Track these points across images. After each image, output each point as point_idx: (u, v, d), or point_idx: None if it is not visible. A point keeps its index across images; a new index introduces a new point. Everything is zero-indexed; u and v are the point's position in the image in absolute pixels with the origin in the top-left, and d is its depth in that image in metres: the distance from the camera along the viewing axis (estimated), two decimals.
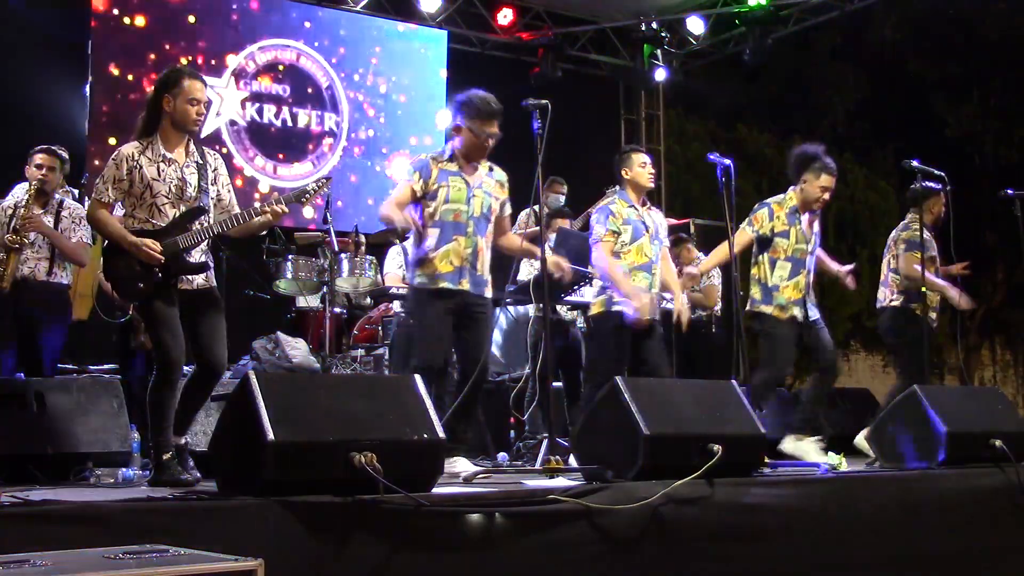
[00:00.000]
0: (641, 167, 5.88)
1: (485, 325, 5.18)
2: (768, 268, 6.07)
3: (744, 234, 6.13)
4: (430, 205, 5.10)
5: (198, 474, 4.42)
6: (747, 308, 6.14)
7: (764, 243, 6.08)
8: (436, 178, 5.12)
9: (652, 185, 5.96)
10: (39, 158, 6.01)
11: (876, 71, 19.47)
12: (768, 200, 6.19)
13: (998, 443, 5.19)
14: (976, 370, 21.25)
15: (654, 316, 5.81)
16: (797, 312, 6.03)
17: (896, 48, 19.07)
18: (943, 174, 6.36)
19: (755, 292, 6.13)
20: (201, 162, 4.56)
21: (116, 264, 4.42)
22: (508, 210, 5.39)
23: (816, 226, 6.17)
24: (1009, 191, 6.70)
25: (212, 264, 4.63)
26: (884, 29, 18.96)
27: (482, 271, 5.15)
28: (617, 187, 6.01)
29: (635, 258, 5.80)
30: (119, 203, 4.49)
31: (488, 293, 5.20)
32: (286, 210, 4.58)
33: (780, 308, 6.03)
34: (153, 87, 4.57)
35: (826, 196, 6.06)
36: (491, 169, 5.30)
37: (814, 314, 6.08)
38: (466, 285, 5.07)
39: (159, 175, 4.42)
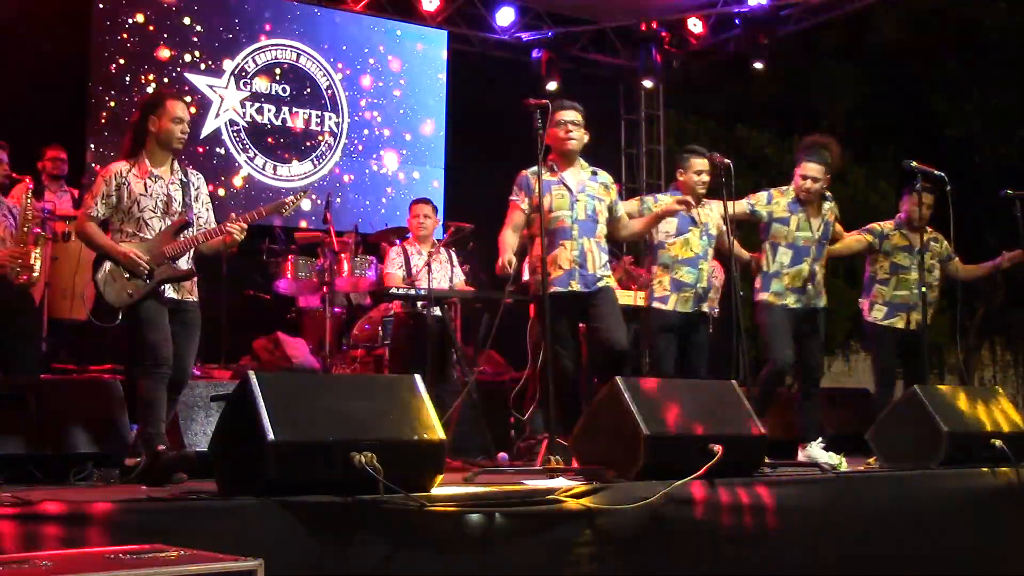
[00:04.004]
0: (696, 175, 5.96)
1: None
2: (770, 254, 6.15)
3: (739, 204, 6.21)
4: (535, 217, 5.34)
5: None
6: (754, 300, 6.26)
7: (764, 230, 6.16)
8: (539, 190, 5.33)
9: (703, 191, 6.01)
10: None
11: (876, 71, 19.45)
12: (772, 188, 6.33)
13: (998, 443, 5.19)
14: (976, 370, 21.24)
15: (696, 308, 5.95)
16: (792, 300, 6.07)
17: (896, 48, 19.05)
18: (943, 174, 6.36)
19: (757, 282, 6.21)
20: (185, 180, 4.78)
21: (106, 271, 4.61)
22: (621, 210, 5.64)
23: (828, 217, 6.22)
24: (1009, 191, 6.70)
25: (196, 273, 4.82)
26: (884, 29, 18.93)
27: (593, 270, 5.37)
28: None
29: (679, 251, 5.92)
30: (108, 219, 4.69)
31: (607, 283, 5.44)
32: (243, 227, 4.71)
33: (776, 295, 6.08)
34: (138, 109, 4.79)
35: (806, 184, 6.10)
36: (594, 173, 5.51)
37: (819, 304, 6.13)
38: (576, 286, 5.31)
39: (146, 190, 4.65)
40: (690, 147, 6.25)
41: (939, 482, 5.03)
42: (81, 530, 3.04)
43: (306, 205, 9.38)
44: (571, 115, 5.44)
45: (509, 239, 5.41)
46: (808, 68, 19.32)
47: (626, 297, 7.46)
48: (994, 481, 5.13)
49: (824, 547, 4.48)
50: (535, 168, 5.42)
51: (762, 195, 6.26)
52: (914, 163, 6.39)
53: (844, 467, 5.50)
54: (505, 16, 10.83)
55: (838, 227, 6.54)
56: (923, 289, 6.48)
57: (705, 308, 6.04)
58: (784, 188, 6.25)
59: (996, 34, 18.38)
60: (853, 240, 6.73)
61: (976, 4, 18.11)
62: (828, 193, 6.29)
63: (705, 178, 5.99)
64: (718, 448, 4.26)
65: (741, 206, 6.22)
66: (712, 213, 6.10)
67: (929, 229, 6.75)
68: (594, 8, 11.27)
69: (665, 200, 5.99)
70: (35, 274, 5.81)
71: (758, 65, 10.95)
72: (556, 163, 5.46)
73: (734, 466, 4.39)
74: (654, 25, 11.09)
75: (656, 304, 5.95)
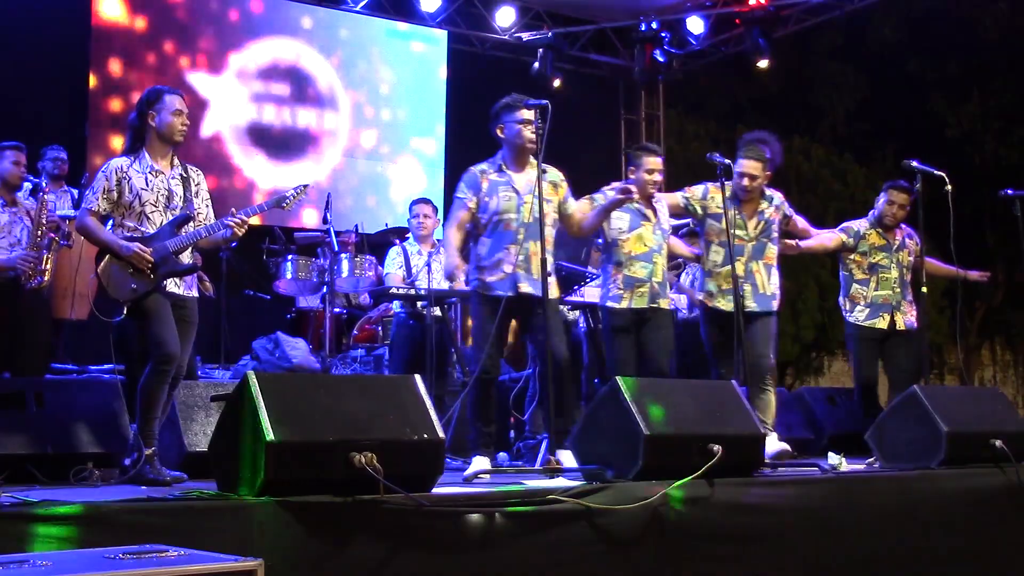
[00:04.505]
0: (647, 174, 5.78)
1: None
2: (705, 252, 5.99)
3: (673, 196, 6.06)
4: (482, 217, 5.27)
5: (176, 474, 4.46)
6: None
7: (700, 225, 6.00)
8: (486, 190, 5.27)
9: (652, 192, 5.81)
10: (16, 155, 6.00)
11: (876, 71, 19.46)
12: (709, 182, 6.10)
13: (998, 443, 5.19)
14: (976, 370, 21.25)
15: (653, 304, 5.74)
16: (727, 303, 5.82)
17: (896, 48, 19.06)
18: (943, 174, 6.35)
19: (698, 276, 6.08)
20: (185, 175, 4.79)
21: (109, 266, 4.60)
22: (573, 206, 5.47)
23: (771, 215, 5.96)
24: (1009, 191, 6.67)
25: (199, 265, 4.85)
26: (884, 29, 18.95)
27: (538, 275, 5.16)
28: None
29: (633, 247, 5.74)
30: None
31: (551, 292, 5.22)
32: (245, 221, 4.70)
33: (708, 295, 5.92)
34: (136, 106, 4.77)
35: (743, 182, 5.88)
36: (543, 172, 5.30)
37: (754, 305, 5.85)
38: (524, 287, 5.16)
39: (147, 185, 4.64)
40: (643, 144, 6.08)
41: (939, 482, 5.03)
42: (81, 530, 3.04)
43: (307, 206, 9.38)
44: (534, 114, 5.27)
45: (453, 237, 5.32)
46: (808, 68, 19.33)
47: None
48: (994, 481, 5.14)
49: (824, 547, 4.49)
50: (483, 165, 5.36)
51: (698, 189, 6.04)
52: (914, 163, 6.37)
53: (844, 467, 5.50)
54: (505, 16, 10.83)
55: (797, 222, 6.27)
56: (923, 289, 6.45)
57: (664, 304, 5.81)
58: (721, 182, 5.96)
59: (996, 34, 18.40)
60: (827, 237, 6.59)
61: (976, 4, 18.12)
62: (770, 191, 6.04)
63: (657, 177, 5.80)
64: (718, 448, 4.26)
65: (675, 198, 6.05)
66: (664, 208, 5.91)
67: (903, 226, 6.66)
68: (594, 8, 11.28)
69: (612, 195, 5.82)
70: (46, 278, 5.83)
71: (762, 64, 10.93)
72: (508, 162, 5.34)
73: (734, 466, 4.40)
74: (654, 25, 11.09)
75: (609, 303, 5.73)
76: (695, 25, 11.31)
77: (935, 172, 6.35)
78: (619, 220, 5.73)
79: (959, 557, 4.85)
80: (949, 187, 6.36)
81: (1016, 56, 17.97)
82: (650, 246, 5.77)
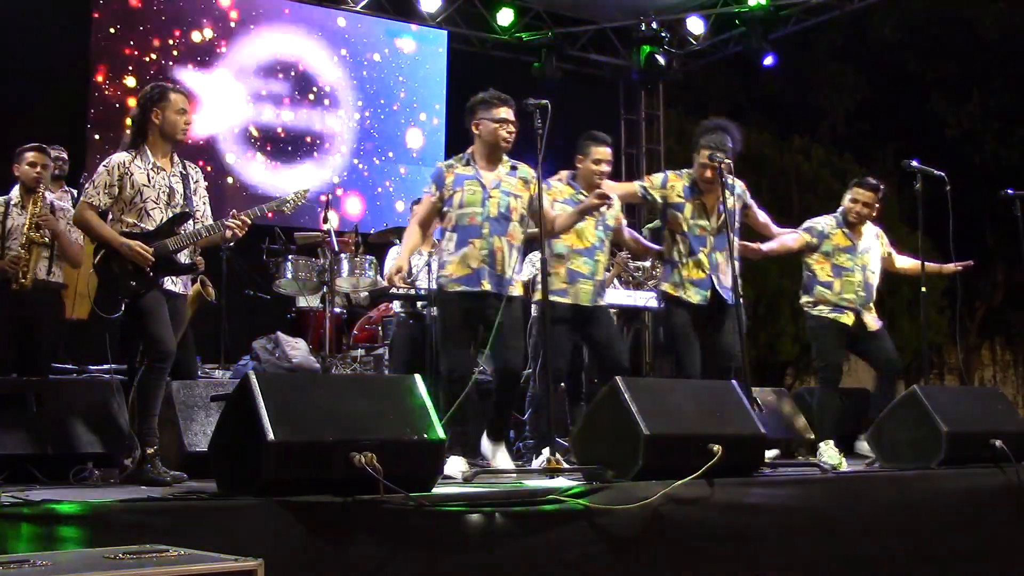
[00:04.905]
0: (595, 164, 5.66)
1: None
2: (670, 243, 5.79)
3: (630, 185, 5.92)
4: (447, 211, 5.18)
5: (175, 474, 4.45)
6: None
7: (662, 216, 5.83)
8: (451, 184, 5.18)
9: (599, 183, 5.58)
10: (32, 156, 6.00)
11: (876, 71, 19.47)
12: (669, 170, 5.97)
13: (998, 443, 5.19)
14: (976, 370, 21.25)
15: (595, 303, 5.63)
16: (693, 293, 5.67)
17: (896, 48, 19.07)
18: (943, 174, 6.35)
19: (662, 269, 5.91)
20: (184, 172, 4.81)
21: (108, 263, 4.61)
22: (545, 204, 5.25)
23: (731, 205, 5.68)
24: (1009, 191, 6.66)
25: (199, 267, 4.90)
26: (884, 29, 18.96)
27: (502, 270, 5.10)
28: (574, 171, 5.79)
29: (573, 241, 5.60)
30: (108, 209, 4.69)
31: (513, 292, 5.15)
32: (246, 223, 4.72)
33: (674, 286, 5.72)
34: (139, 102, 4.78)
35: (707, 173, 5.66)
36: (513, 168, 5.26)
37: (727, 297, 5.64)
38: (487, 285, 5.06)
39: (149, 181, 4.66)
40: (593, 133, 5.83)
41: (939, 482, 5.03)
42: (81, 530, 3.04)
43: (306, 205, 9.37)
44: (513, 113, 5.20)
45: (411, 234, 5.31)
46: (808, 68, 19.34)
47: (625, 297, 7.43)
48: (994, 481, 5.14)
49: (824, 547, 4.48)
50: (451, 160, 5.32)
51: (657, 177, 5.87)
52: (914, 163, 6.35)
53: (844, 467, 5.50)
54: (505, 16, 10.83)
55: (758, 214, 6.05)
56: (923, 289, 6.44)
57: (602, 302, 5.71)
58: (682, 172, 5.83)
59: (996, 34, 18.40)
60: (790, 238, 6.32)
61: (976, 4, 18.13)
62: (731, 180, 5.80)
63: (604, 168, 5.65)
64: (717, 448, 4.26)
65: (632, 187, 5.91)
66: (615, 202, 5.70)
67: (871, 224, 6.44)
68: (594, 8, 11.28)
69: (558, 186, 5.71)
70: (27, 280, 5.82)
71: (768, 61, 10.91)
72: (477, 156, 5.25)
73: (734, 466, 4.39)
74: (654, 25, 11.09)
75: (554, 297, 5.46)
76: (695, 25, 11.32)
77: (935, 172, 6.34)
78: (558, 211, 5.47)
79: (959, 557, 4.85)
80: (948, 187, 6.35)
81: (1016, 56, 17.97)
82: (592, 242, 5.64)
